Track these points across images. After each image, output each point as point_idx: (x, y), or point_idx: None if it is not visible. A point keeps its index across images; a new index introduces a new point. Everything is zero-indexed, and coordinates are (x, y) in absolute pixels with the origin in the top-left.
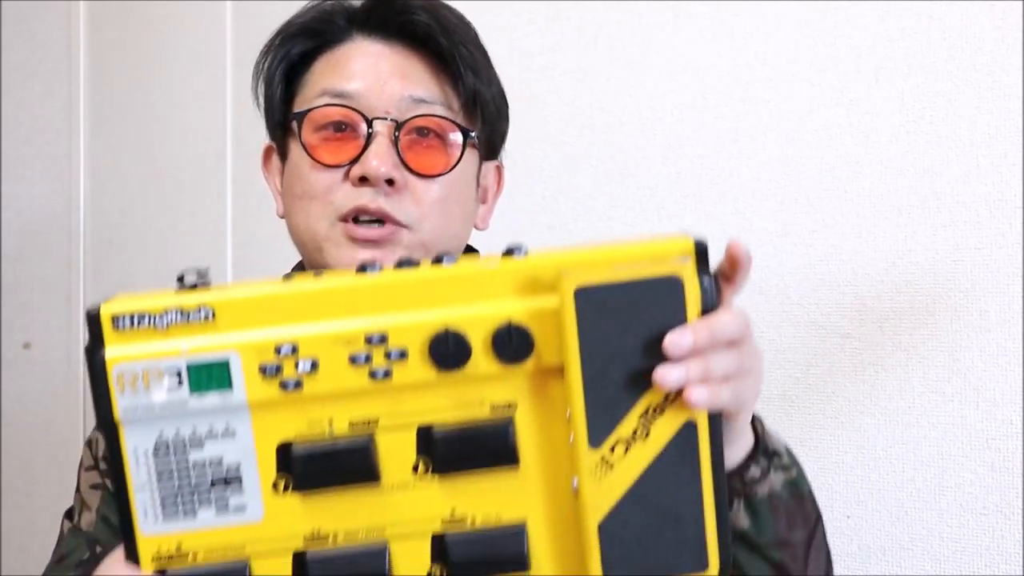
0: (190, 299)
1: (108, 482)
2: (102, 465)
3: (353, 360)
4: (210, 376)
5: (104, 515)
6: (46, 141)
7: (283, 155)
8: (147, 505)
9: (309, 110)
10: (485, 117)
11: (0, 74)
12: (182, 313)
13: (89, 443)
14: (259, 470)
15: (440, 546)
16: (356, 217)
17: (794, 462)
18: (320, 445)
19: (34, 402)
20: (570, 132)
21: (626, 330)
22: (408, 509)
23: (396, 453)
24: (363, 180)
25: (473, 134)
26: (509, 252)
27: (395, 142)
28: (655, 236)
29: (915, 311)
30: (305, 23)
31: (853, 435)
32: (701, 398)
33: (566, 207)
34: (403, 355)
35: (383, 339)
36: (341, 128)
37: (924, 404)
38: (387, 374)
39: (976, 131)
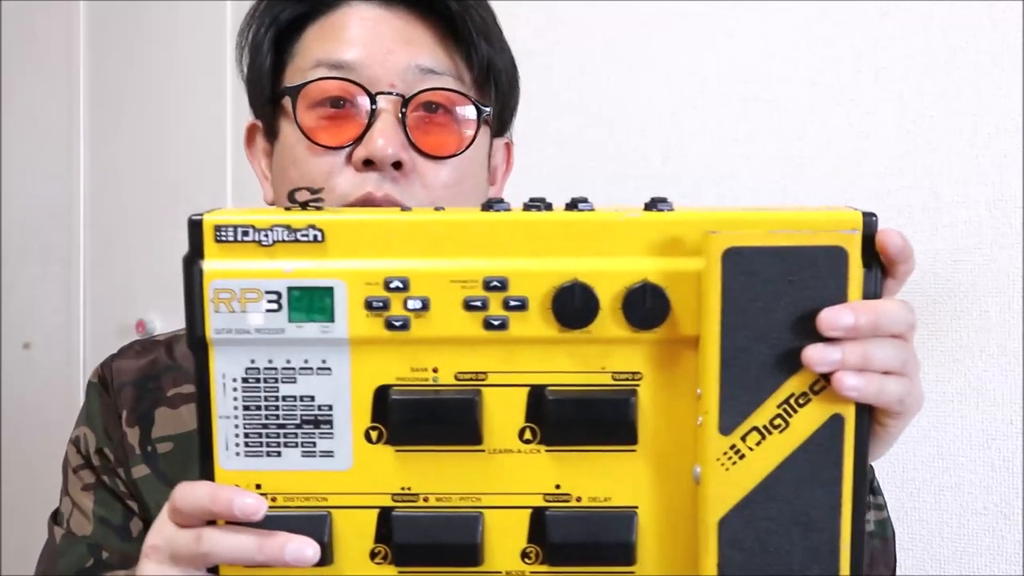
0: (300, 217)
1: (106, 478)
2: (95, 461)
3: (468, 305)
4: (311, 304)
5: (101, 516)
6: (46, 141)
7: (271, 134)
8: (229, 436)
9: (303, 84)
10: (498, 89)
11: (0, 74)
12: (290, 231)
13: (75, 441)
14: (352, 414)
15: (539, 523)
16: (361, 206)
17: (884, 500)
18: (421, 394)
19: (34, 402)
20: (570, 132)
21: (777, 303)
22: (509, 478)
23: (503, 414)
24: (367, 163)
25: (488, 110)
26: (652, 204)
27: (402, 119)
28: (817, 207)
29: (915, 311)
30: None
31: None
32: (857, 385)
33: None
34: (523, 305)
35: (503, 285)
36: (339, 104)
37: (924, 404)
38: (503, 325)
39: (976, 131)
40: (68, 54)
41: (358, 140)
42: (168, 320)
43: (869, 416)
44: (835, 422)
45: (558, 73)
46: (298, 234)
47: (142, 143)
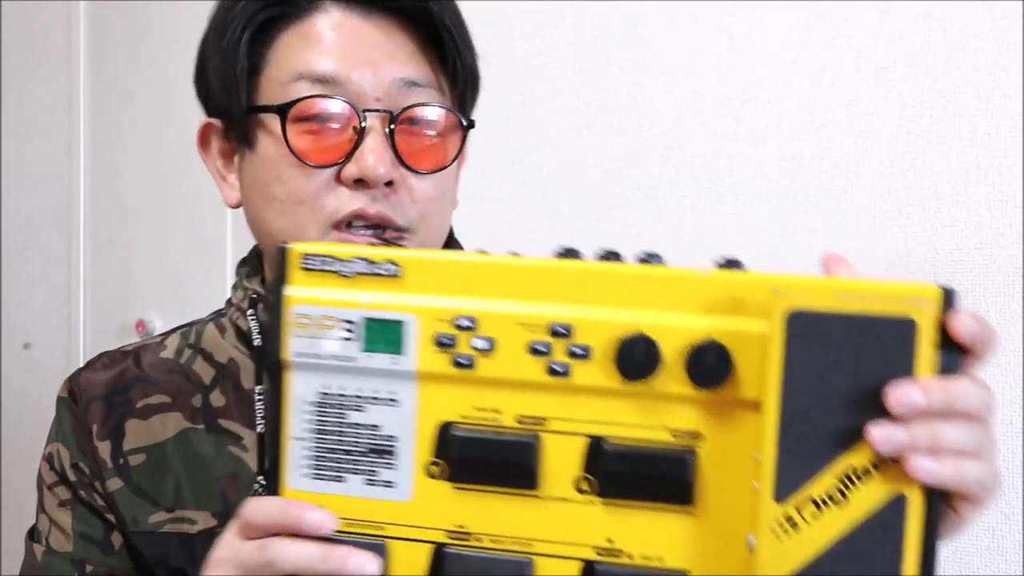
0: (380, 252)
1: (83, 493)
2: (71, 476)
3: (533, 349)
4: (384, 336)
5: (81, 532)
6: (46, 141)
7: (245, 142)
8: (299, 457)
9: (292, 103)
10: (474, 95)
11: (0, 74)
12: (370, 264)
13: (49, 459)
14: (415, 448)
15: None
16: (349, 222)
17: None
18: (483, 434)
19: (34, 402)
20: (570, 132)
21: (841, 371)
22: (562, 527)
23: (560, 461)
24: (358, 182)
25: (469, 120)
26: (726, 265)
27: (389, 136)
28: (896, 279)
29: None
30: None
31: None
32: (933, 471)
33: (566, 207)
34: (586, 354)
35: (568, 332)
36: (325, 119)
37: None
38: (566, 371)
39: (976, 131)
40: (68, 54)
41: (347, 157)
42: (168, 320)
43: (942, 501)
44: (898, 503)
45: (558, 73)
46: (377, 267)
47: (142, 143)
